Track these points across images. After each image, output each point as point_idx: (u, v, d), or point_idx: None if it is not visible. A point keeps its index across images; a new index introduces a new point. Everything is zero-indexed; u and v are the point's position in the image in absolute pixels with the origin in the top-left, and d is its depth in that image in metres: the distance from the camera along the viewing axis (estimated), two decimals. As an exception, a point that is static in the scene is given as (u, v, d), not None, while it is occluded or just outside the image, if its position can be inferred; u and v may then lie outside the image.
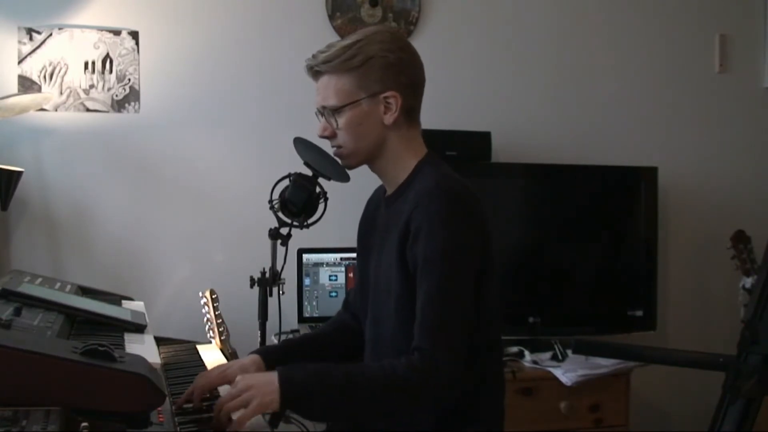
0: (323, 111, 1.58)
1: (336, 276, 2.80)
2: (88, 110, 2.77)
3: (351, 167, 1.63)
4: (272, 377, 1.39)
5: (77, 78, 2.75)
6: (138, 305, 2.11)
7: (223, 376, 1.54)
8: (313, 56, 1.57)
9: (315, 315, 2.77)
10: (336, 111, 1.55)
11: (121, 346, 1.60)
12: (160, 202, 2.84)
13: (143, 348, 1.64)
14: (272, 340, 2.39)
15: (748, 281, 2.94)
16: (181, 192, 2.86)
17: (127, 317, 1.83)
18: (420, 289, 1.46)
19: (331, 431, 1.80)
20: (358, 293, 1.76)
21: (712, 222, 3.29)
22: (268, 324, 2.10)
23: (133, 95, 2.80)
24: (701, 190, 3.31)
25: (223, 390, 1.53)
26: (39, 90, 2.71)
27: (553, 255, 2.97)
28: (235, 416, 1.36)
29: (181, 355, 1.86)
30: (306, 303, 2.78)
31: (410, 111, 1.59)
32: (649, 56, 3.27)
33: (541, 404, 2.69)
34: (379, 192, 1.73)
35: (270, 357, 1.63)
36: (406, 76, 1.56)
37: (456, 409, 1.52)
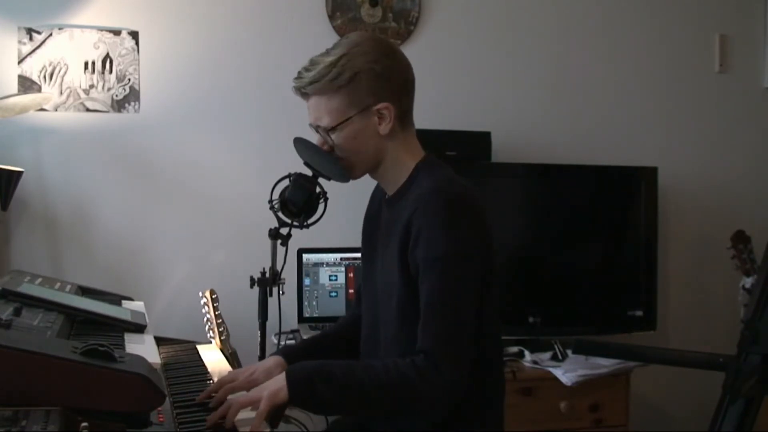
0: (317, 129, 1.58)
1: (336, 276, 2.80)
2: (88, 110, 2.77)
3: (356, 177, 1.63)
4: (279, 376, 1.43)
5: (77, 78, 2.75)
6: (138, 305, 2.11)
7: (250, 380, 1.54)
8: (299, 76, 1.55)
9: (315, 315, 2.77)
10: (330, 130, 1.55)
11: (121, 346, 1.60)
12: (160, 202, 2.84)
13: (143, 348, 1.64)
14: (272, 340, 2.39)
15: (748, 281, 2.94)
16: (181, 192, 2.86)
17: (127, 317, 1.83)
18: (422, 291, 1.46)
19: (332, 431, 1.80)
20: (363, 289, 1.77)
21: (712, 222, 3.29)
22: (268, 324, 2.10)
23: (133, 95, 2.80)
24: (701, 190, 3.31)
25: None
26: (39, 90, 2.71)
27: (553, 255, 2.97)
28: (242, 415, 1.37)
29: (181, 355, 1.86)
30: (306, 303, 2.78)
31: (404, 116, 1.58)
32: (649, 56, 3.27)
33: (541, 404, 2.69)
34: (381, 189, 1.72)
35: (292, 355, 1.65)
36: (395, 83, 1.54)
37: (456, 412, 1.51)
